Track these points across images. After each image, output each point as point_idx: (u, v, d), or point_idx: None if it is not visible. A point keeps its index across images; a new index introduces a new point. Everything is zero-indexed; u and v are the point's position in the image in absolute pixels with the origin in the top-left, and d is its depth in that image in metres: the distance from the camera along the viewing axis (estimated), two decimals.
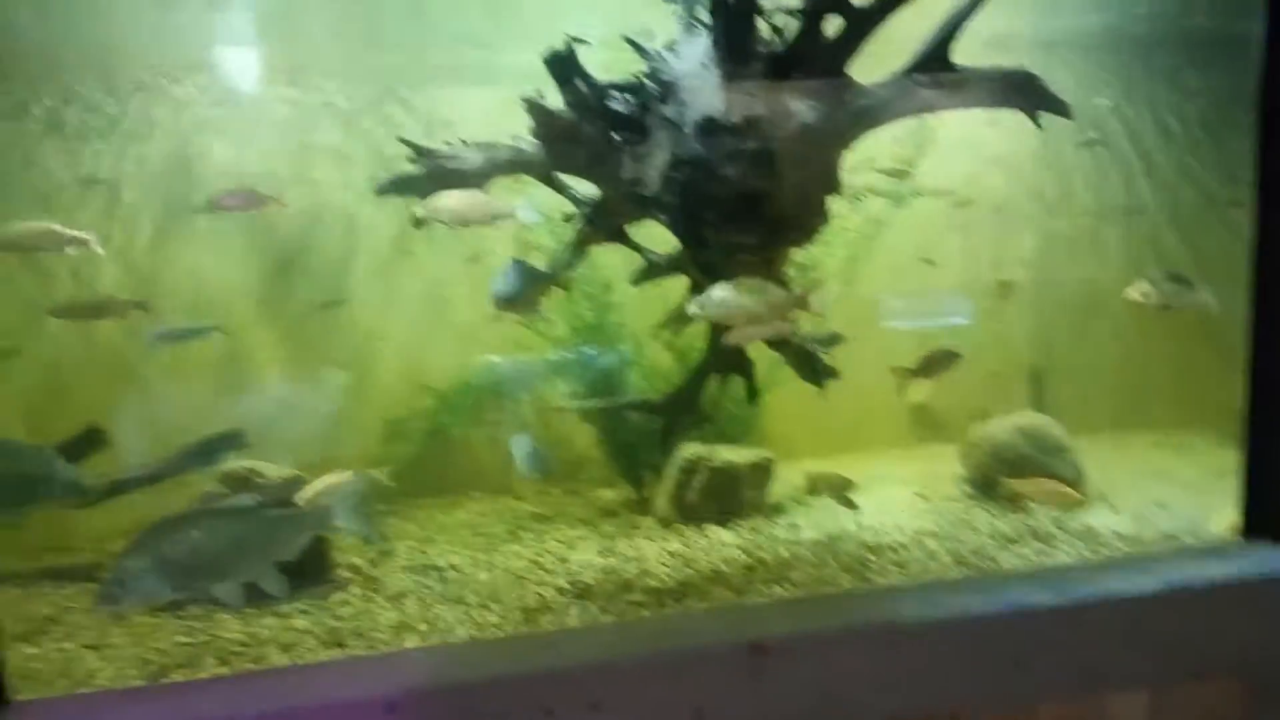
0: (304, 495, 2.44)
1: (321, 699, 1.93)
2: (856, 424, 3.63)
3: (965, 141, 3.47)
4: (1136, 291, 2.89)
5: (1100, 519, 3.06)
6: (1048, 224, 3.63)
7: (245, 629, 2.40)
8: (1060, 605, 2.42)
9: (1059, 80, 2.45)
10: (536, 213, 2.90)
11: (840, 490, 3.38)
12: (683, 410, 2.78)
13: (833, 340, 3.24)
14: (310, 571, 2.66)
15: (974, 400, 3.58)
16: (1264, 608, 2.54)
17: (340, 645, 2.32)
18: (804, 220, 2.38)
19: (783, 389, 3.15)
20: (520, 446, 3.00)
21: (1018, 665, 2.31)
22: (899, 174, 3.32)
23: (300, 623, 2.44)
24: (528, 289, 2.62)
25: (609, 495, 3.47)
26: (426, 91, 3.46)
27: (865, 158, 3.26)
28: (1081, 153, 3.57)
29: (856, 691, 2.11)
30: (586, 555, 2.87)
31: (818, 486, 3.43)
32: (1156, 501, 3.20)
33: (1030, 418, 3.37)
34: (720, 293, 2.22)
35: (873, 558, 2.82)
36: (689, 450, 3.22)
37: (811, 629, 2.16)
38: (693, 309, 2.31)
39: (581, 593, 2.55)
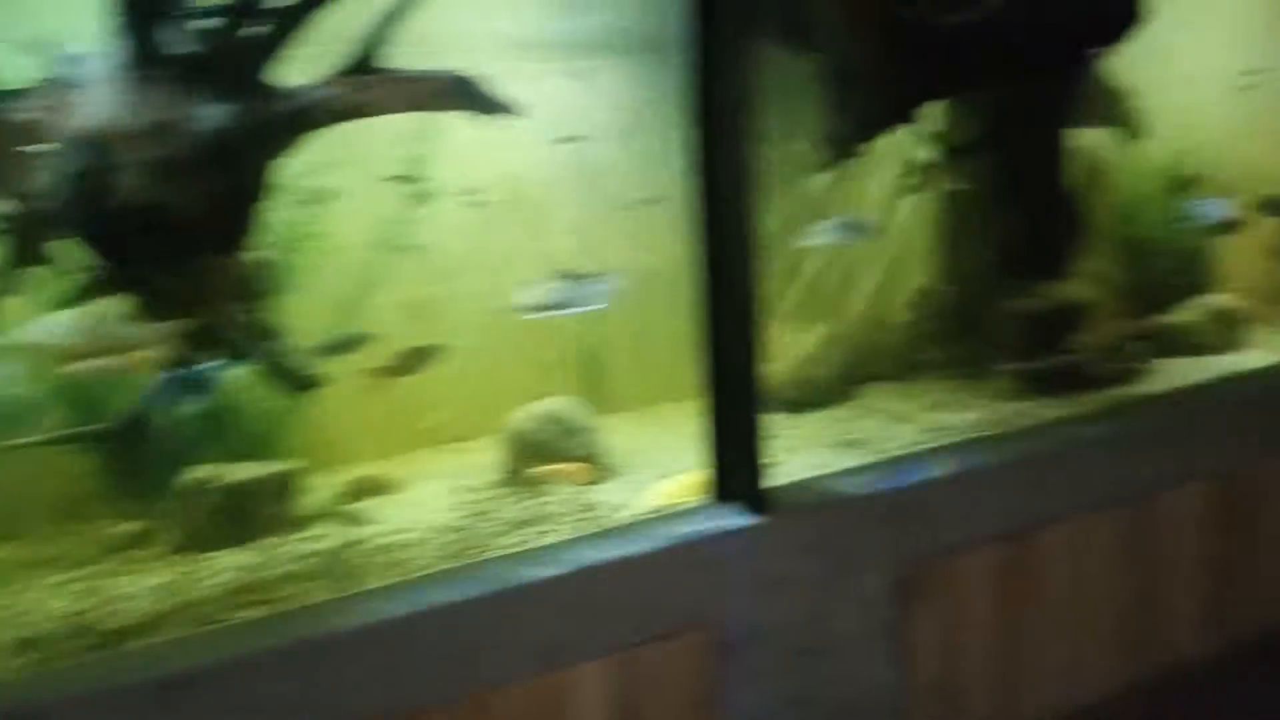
0: None
1: None
2: (415, 422, 3.58)
3: (479, 142, 3.45)
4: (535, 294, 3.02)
5: (607, 494, 3.17)
6: (566, 218, 3.70)
7: None
8: (523, 584, 2.45)
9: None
10: None
11: (378, 493, 3.32)
12: (134, 434, 2.59)
13: (348, 344, 3.14)
14: None
15: (535, 388, 3.61)
16: (720, 560, 2.69)
17: None
18: (225, 230, 2.25)
19: (338, 393, 3.03)
20: None
21: (465, 658, 2.31)
22: (409, 179, 3.25)
23: None
24: None
25: (116, 529, 3.18)
26: None
27: (366, 163, 3.21)
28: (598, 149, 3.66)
29: (280, 714, 2.02)
30: (59, 600, 2.61)
31: (357, 492, 3.34)
32: (664, 471, 3.36)
33: (554, 402, 3.45)
34: (52, 321, 2.05)
35: (378, 560, 2.76)
36: (196, 472, 3.02)
37: (238, 654, 2.05)
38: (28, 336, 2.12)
39: (25, 644, 2.30)
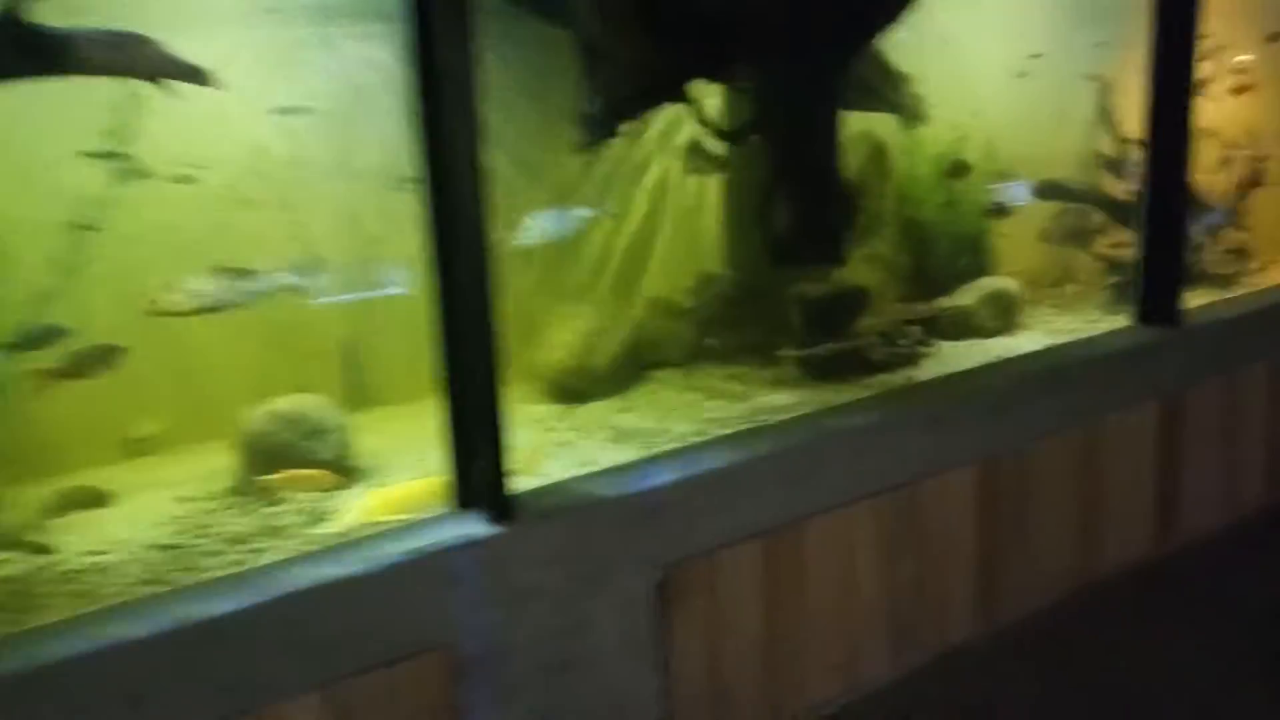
0: None
1: None
2: (138, 424, 3.19)
3: (193, 116, 3.05)
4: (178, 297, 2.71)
5: (350, 502, 2.87)
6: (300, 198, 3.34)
7: None
8: (218, 615, 2.13)
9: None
10: None
11: (91, 506, 2.92)
12: None
13: (42, 338, 2.73)
14: None
15: (280, 383, 3.25)
16: (456, 574, 2.43)
17: None
18: None
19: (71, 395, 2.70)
20: None
21: (136, 703, 1.98)
22: (114, 155, 2.84)
23: None
24: None
25: None
26: None
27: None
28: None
29: None
30: None
31: (64, 506, 2.93)
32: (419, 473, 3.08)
33: (296, 400, 3.11)
34: None
35: (65, 589, 2.39)
36: None
37: None
38: None
39: None
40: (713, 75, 3.31)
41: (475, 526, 2.48)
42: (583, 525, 2.64)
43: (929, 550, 3.33)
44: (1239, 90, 4.76)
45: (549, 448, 3.16)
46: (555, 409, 3.59)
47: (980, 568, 3.47)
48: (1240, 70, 4.77)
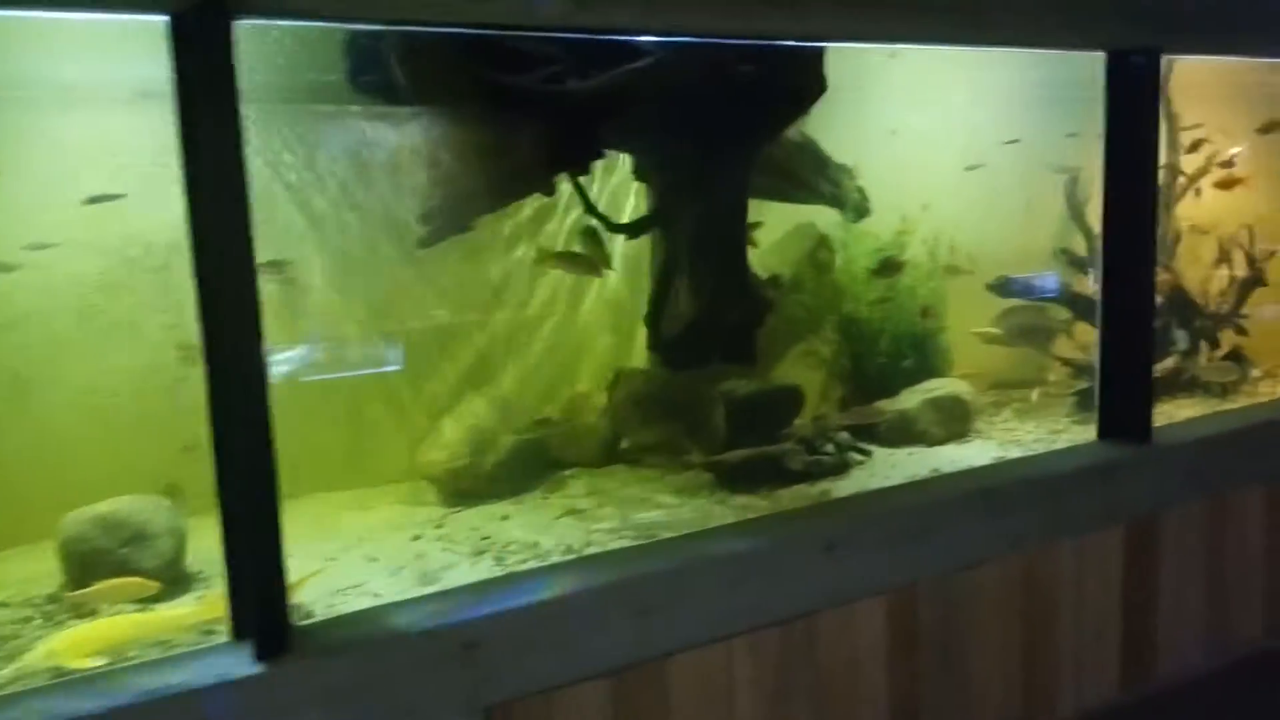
0: None
1: None
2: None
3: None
4: None
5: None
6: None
7: None
8: None
9: None
10: None
11: None
12: None
13: None
14: None
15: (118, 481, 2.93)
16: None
17: None
18: None
19: None
20: None
21: None
22: None
23: None
24: None
25: None
26: None
27: None
28: None
29: None
30: None
31: None
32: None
33: (114, 503, 2.75)
34: None
35: None
36: None
37: None
38: None
39: None
40: (582, 165, 2.95)
41: (236, 663, 2.08)
42: (380, 662, 2.22)
43: (830, 692, 2.81)
44: (1226, 184, 4.24)
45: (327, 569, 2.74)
46: (438, 511, 3.20)
47: (895, 712, 2.93)
48: (1227, 163, 4.26)
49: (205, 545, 2.71)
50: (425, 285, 3.20)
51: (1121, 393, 3.42)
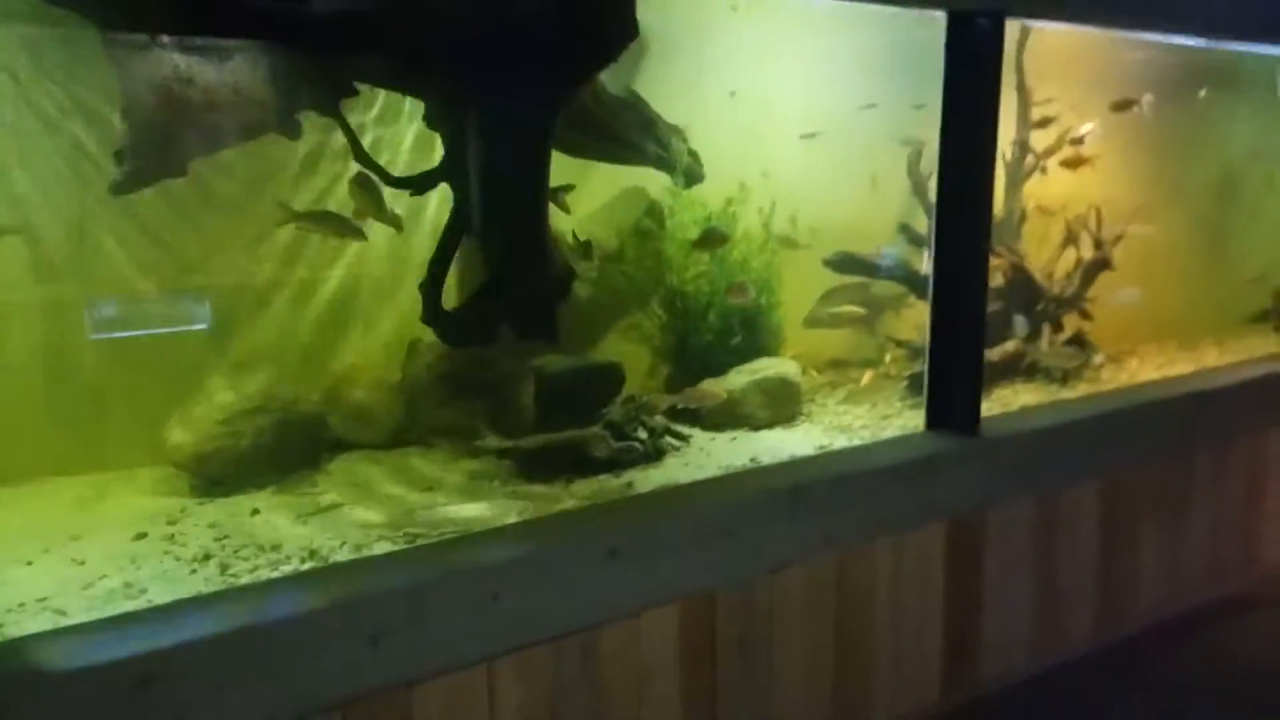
0: None
1: None
2: None
3: None
4: None
5: None
6: None
7: None
8: None
9: None
10: None
11: None
12: None
13: None
14: None
15: None
16: None
17: None
18: None
19: None
20: None
21: None
22: None
23: None
24: None
25: None
26: None
27: None
28: None
29: None
30: None
31: None
32: None
33: None
34: None
35: None
36: None
37: None
38: None
39: None
40: (329, 102, 2.44)
41: None
42: (24, 706, 1.73)
43: (615, 713, 2.43)
44: (1072, 163, 3.97)
45: None
46: (181, 503, 2.69)
47: None
48: (1076, 141, 3.99)
49: None
50: (137, 237, 2.66)
51: (949, 381, 3.11)
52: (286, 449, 2.88)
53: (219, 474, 2.77)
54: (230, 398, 2.83)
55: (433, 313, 2.67)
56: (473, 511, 2.57)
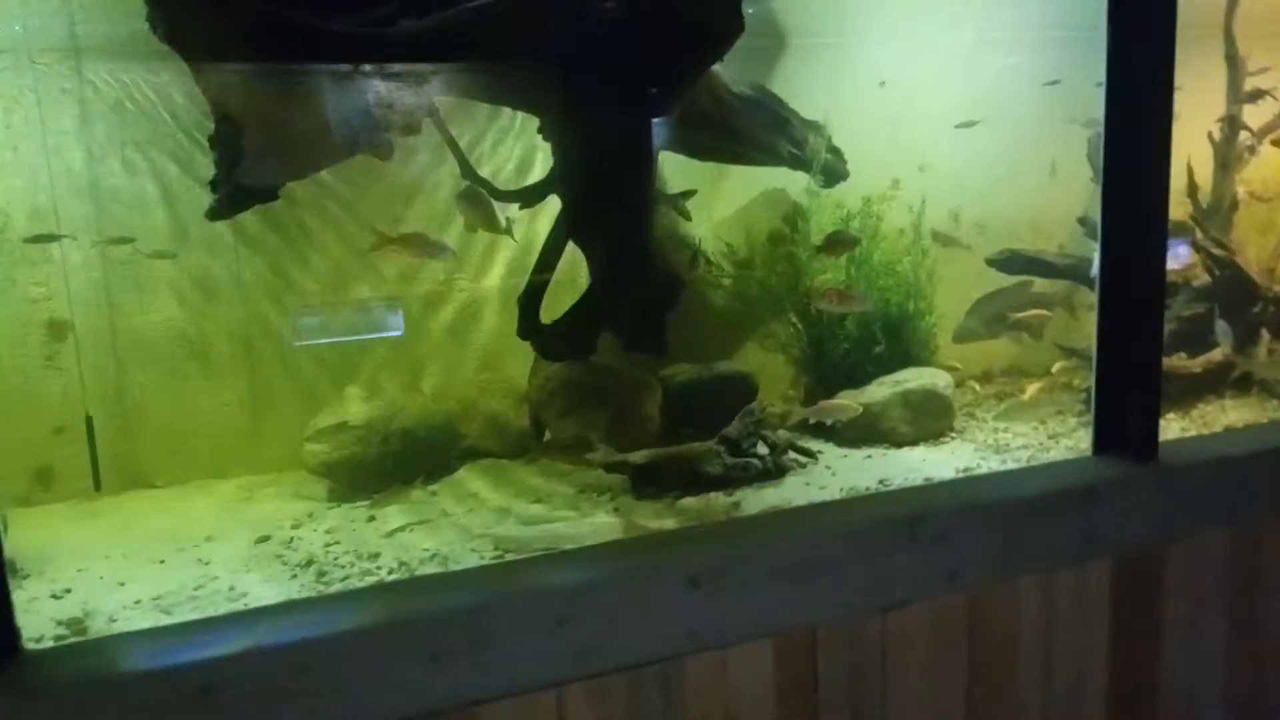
0: None
1: None
2: None
3: None
4: None
5: None
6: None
7: None
8: None
9: None
10: None
11: None
12: None
13: None
14: None
15: None
16: None
17: None
18: None
19: None
20: None
21: None
22: None
23: None
24: None
25: None
26: None
27: None
28: None
29: None
30: None
31: None
32: None
33: None
34: None
35: None
36: None
37: None
38: None
39: None
40: (412, 121, 2.37)
41: None
42: (92, 709, 1.79)
43: None
44: None
45: None
46: (310, 507, 2.76)
47: None
48: None
49: None
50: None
51: (1119, 399, 2.62)
52: (416, 456, 2.89)
53: (349, 480, 2.82)
54: (360, 407, 2.87)
55: (528, 326, 2.57)
56: (566, 529, 2.45)
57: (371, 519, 2.63)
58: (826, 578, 2.27)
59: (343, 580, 2.25)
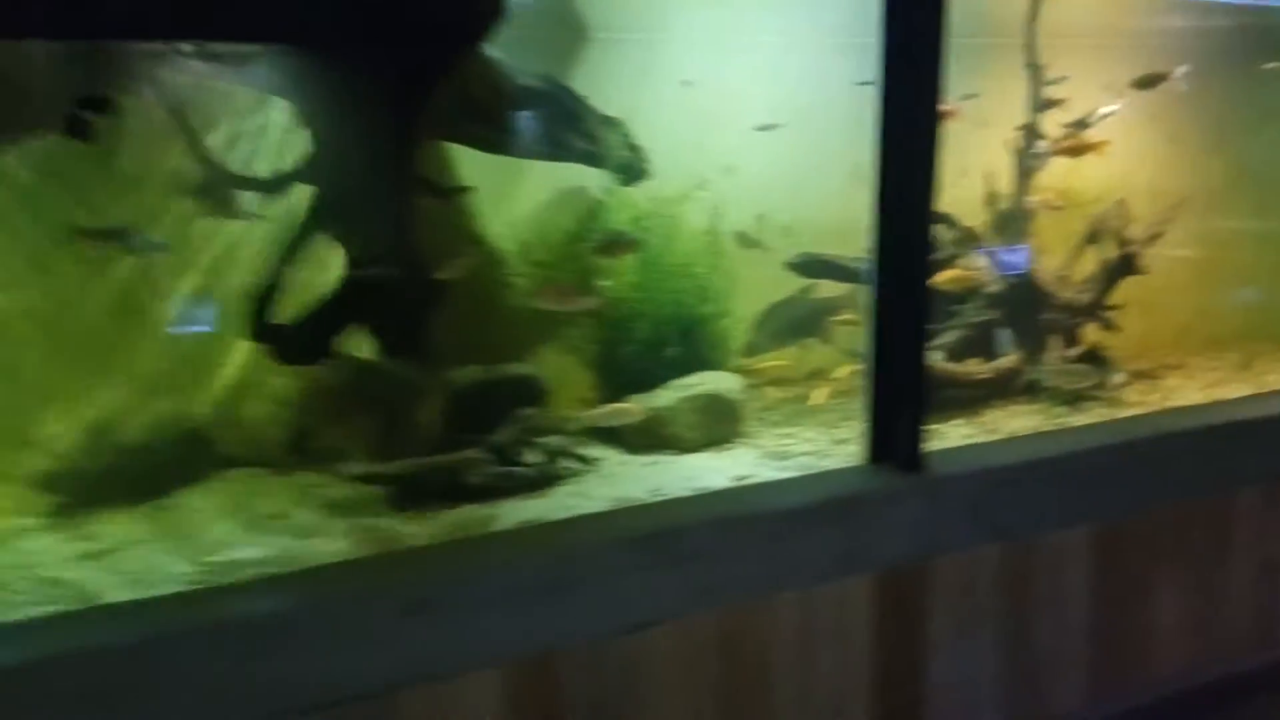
0: None
1: None
2: None
3: None
4: None
5: None
6: None
7: None
8: None
9: None
10: None
11: None
12: None
13: None
14: None
15: None
16: None
17: None
18: None
19: None
20: None
21: None
22: None
23: None
24: None
25: None
26: None
27: None
28: None
29: None
30: None
31: None
32: None
33: None
34: None
35: None
36: None
37: None
38: None
39: None
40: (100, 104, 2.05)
41: None
42: None
43: None
44: (1075, 150, 3.19)
45: None
46: (20, 525, 2.40)
47: None
48: (1079, 125, 3.21)
49: None
50: None
51: (888, 406, 2.47)
52: (152, 469, 2.55)
53: (71, 496, 2.47)
54: (90, 414, 2.53)
55: (260, 327, 2.27)
56: (299, 550, 2.16)
57: (81, 540, 2.29)
58: (565, 599, 2.05)
59: (12, 611, 1.92)
